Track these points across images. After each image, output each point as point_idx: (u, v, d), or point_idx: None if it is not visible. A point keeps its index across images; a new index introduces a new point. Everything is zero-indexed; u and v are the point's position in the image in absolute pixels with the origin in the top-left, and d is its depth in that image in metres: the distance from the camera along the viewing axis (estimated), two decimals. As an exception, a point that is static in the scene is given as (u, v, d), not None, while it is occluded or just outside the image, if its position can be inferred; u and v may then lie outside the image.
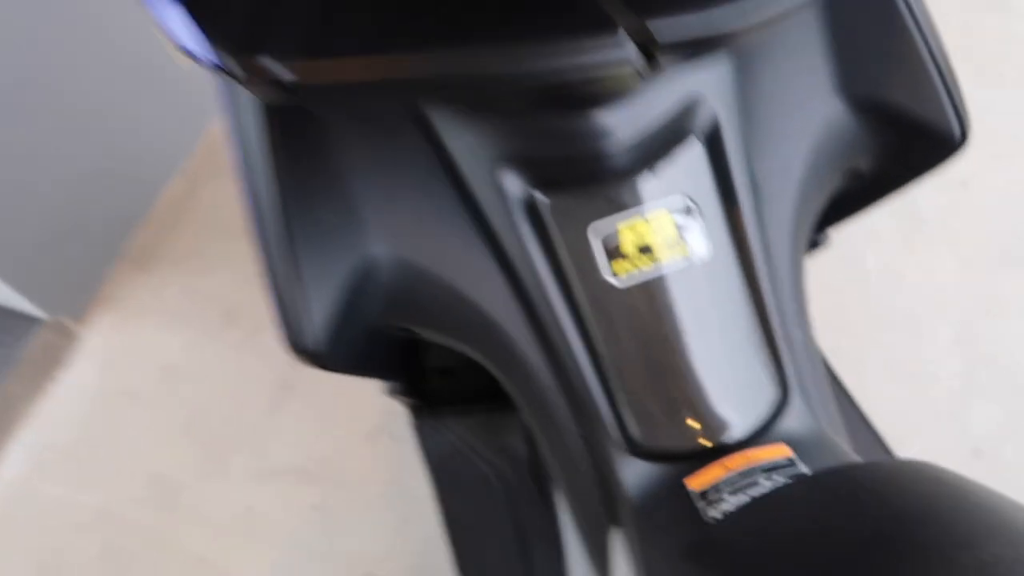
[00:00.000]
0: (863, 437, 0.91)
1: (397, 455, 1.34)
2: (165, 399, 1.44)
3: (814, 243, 0.84)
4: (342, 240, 0.61)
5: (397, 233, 0.62)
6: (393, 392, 0.85)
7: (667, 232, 0.59)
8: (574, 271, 0.59)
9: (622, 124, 0.56)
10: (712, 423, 0.58)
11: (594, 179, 0.58)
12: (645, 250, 0.58)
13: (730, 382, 0.58)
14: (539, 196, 0.59)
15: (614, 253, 0.58)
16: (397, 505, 1.29)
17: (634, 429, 0.59)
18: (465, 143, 0.59)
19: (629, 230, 0.58)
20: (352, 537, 1.32)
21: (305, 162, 0.59)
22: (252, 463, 1.39)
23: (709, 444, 0.57)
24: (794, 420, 0.60)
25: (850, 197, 0.74)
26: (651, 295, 0.58)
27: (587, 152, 0.57)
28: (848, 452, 0.59)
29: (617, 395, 0.59)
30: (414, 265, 0.62)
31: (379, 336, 0.68)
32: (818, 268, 1.44)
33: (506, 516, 0.93)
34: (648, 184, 0.58)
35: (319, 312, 0.61)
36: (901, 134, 0.65)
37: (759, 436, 0.58)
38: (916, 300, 1.36)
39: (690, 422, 0.58)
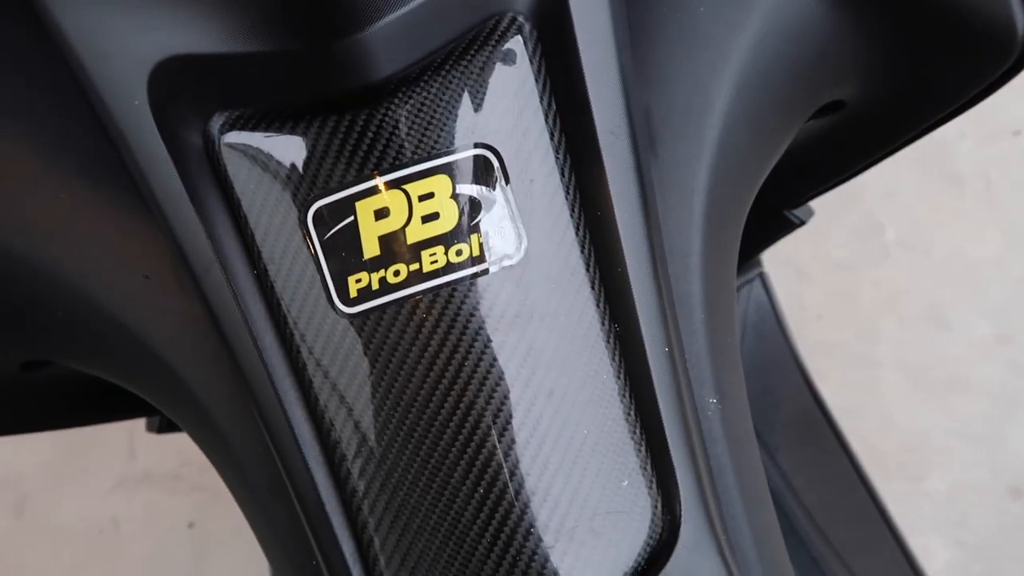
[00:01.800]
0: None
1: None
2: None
3: (787, 222, 0.55)
4: None
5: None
6: (161, 428, 0.58)
7: (444, 214, 0.30)
8: (285, 289, 0.32)
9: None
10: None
11: (311, 109, 0.31)
12: (402, 250, 0.30)
13: (567, 507, 0.31)
14: (227, 139, 0.32)
15: (349, 257, 0.31)
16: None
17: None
18: (91, 25, 0.31)
19: (371, 213, 0.30)
20: (226, 563, 1.08)
21: None
22: (117, 466, 1.15)
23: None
24: (685, 568, 0.32)
25: (829, 152, 0.45)
26: (412, 334, 0.31)
27: (296, 45, 0.30)
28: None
29: (366, 527, 0.32)
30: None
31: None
32: (820, 239, 1.15)
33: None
34: (411, 120, 0.30)
35: None
36: (918, 33, 0.35)
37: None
38: (946, 283, 1.06)
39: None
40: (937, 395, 1.03)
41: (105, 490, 1.15)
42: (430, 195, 0.30)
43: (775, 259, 1.11)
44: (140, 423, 1.17)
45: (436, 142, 0.31)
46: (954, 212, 1.09)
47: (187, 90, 0.32)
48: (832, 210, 1.08)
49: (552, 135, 0.32)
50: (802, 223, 0.55)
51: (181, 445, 1.17)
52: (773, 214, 0.55)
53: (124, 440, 1.18)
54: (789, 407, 0.69)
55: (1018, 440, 0.99)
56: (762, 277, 0.73)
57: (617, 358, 0.33)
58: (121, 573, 1.10)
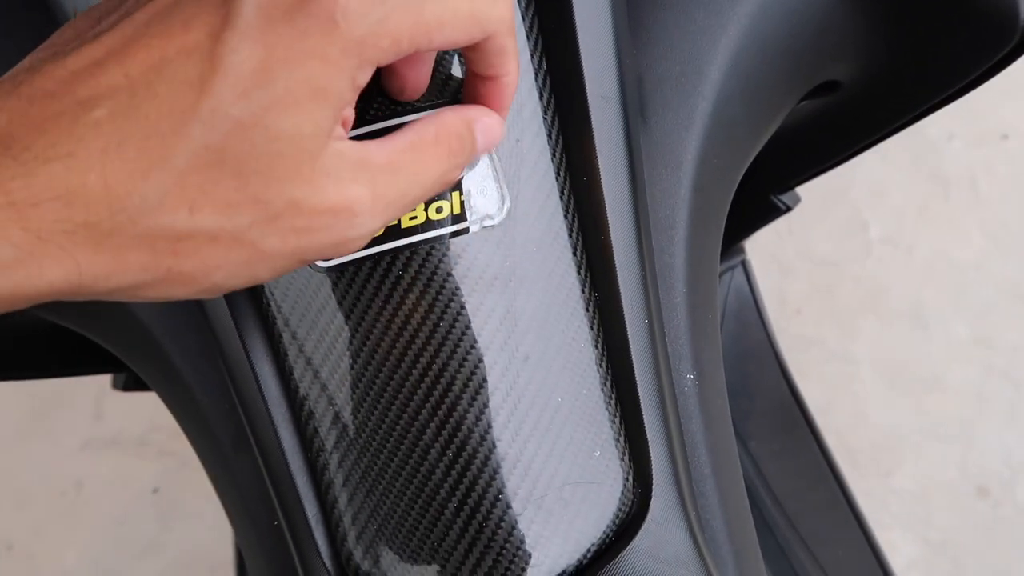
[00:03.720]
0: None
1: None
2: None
3: (773, 207, 0.55)
4: None
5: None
6: (127, 385, 0.57)
7: (426, 170, 0.29)
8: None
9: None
10: (498, 552, 0.30)
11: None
12: (381, 203, 0.29)
13: (537, 475, 0.30)
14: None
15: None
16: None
17: (359, 553, 0.32)
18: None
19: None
20: (190, 530, 1.07)
21: None
22: (82, 429, 1.13)
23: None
24: (654, 542, 0.31)
25: (820, 134, 0.44)
26: (387, 291, 0.30)
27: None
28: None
29: (331, 487, 0.32)
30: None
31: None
32: (804, 233, 1.15)
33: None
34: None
35: None
36: (922, 10, 0.34)
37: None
38: (927, 283, 1.06)
39: (456, 551, 0.30)
40: (911, 394, 1.03)
41: (70, 452, 1.13)
42: (412, 148, 0.30)
43: (758, 251, 1.11)
44: (108, 386, 1.15)
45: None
46: (939, 213, 1.09)
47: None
48: (817, 205, 1.08)
49: (541, 95, 0.31)
50: (788, 209, 0.55)
51: (149, 410, 1.15)
52: (760, 198, 0.54)
53: (91, 403, 1.16)
54: (765, 396, 0.69)
55: (989, 441, 0.99)
56: (744, 265, 0.73)
57: (595, 327, 0.32)
58: (84, 535, 1.08)
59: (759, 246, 1.08)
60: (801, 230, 1.09)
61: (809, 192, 0.64)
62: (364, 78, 0.23)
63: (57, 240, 0.21)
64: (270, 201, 0.22)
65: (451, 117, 0.26)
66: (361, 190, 0.23)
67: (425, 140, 0.25)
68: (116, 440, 1.14)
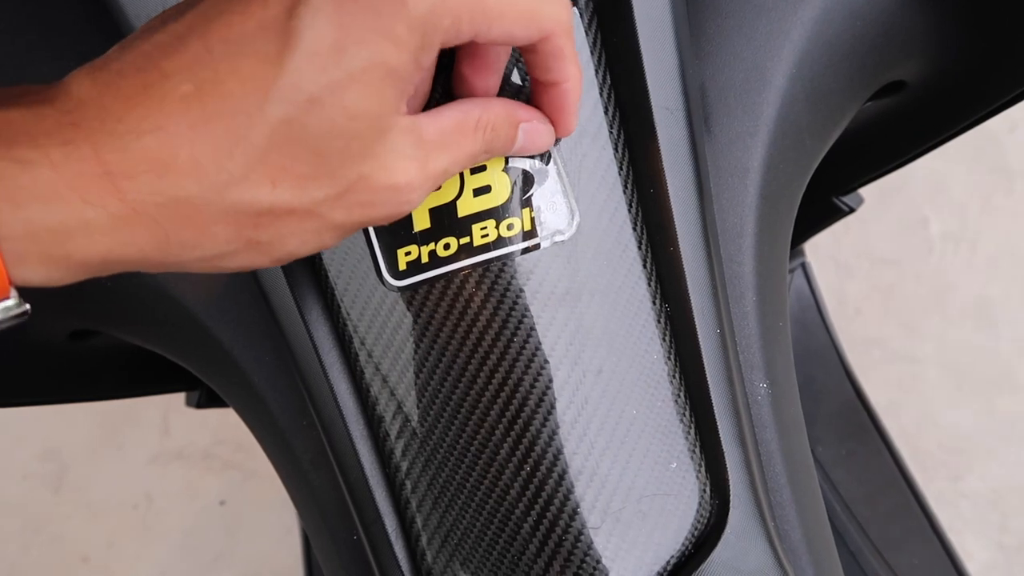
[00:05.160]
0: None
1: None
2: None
3: (836, 209, 0.54)
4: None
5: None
6: (200, 403, 0.59)
7: (496, 188, 0.30)
8: (332, 261, 0.31)
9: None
10: (577, 567, 0.30)
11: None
12: (452, 223, 0.30)
13: (614, 488, 0.31)
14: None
15: (399, 230, 0.30)
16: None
17: (438, 567, 0.32)
18: None
19: (422, 183, 0.30)
20: (257, 541, 1.09)
21: None
22: (151, 444, 1.17)
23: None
24: (733, 554, 0.31)
25: (886, 135, 0.43)
26: (461, 309, 0.30)
27: None
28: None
29: (409, 503, 0.32)
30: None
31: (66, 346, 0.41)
32: (862, 231, 1.13)
33: None
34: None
35: None
36: (989, 9, 0.34)
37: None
38: (993, 280, 1.02)
39: (535, 566, 0.31)
40: (981, 394, 1.00)
41: (139, 467, 1.17)
42: (482, 168, 0.30)
43: (814, 251, 1.09)
44: (175, 402, 1.18)
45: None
46: (1003, 206, 1.06)
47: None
48: (875, 202, 1.06)
49: (606, 109, 0.31)
50: (851, 210, 0.54)
51: (214, 424, 1.18)
52: (821, 200, 0.54)
53: (158, 418, 1.19)
54: (830, 400, 0.68)
55: (1064, 442, 0.96)
56: (804, 267, 0.72)
57: (667, 338, 0.32)
58: (156, 547, 1.11)
59: (815, 246, 1.07)
60: (859, 228, 1.07)
61: (865, 189, 0.63)
62: (428, 59, 0.24)
63: (150, 211, 0.22)
64: (343, 176, 0.23)
65: (498, 108, 0.27)
66: (416, 168, 0.25)
67: (468, 122, 0.26)
68: (183, 454, 1.17)
